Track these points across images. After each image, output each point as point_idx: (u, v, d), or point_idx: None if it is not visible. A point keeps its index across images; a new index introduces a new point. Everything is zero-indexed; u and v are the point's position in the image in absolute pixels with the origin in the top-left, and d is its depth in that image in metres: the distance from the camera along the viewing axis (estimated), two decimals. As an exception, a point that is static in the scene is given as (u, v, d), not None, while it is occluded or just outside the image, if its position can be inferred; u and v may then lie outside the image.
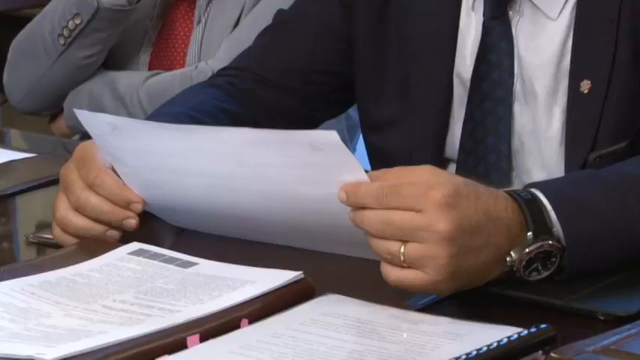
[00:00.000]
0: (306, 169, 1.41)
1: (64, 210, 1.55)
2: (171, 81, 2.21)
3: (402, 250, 1.32)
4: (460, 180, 1.40)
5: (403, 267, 1.33)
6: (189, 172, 1.51)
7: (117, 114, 2.14)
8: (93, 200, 1.53)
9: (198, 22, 2.32)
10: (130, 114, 2.24)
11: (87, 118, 1.53)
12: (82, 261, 1.47)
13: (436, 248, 1.32)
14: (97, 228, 1.53)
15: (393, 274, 1.34)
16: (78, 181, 1.53)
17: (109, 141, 1.53)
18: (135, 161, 1.53)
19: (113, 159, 1.55)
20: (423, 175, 1.35)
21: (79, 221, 1.53)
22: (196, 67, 2.23)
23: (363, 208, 1.35)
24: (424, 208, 1.32)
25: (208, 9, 2.31)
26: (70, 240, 1.55)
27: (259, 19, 2.07)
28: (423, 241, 1.32)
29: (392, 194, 1.33)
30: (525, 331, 1.24)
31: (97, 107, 2.27)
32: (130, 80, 2.26)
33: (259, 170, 1.45)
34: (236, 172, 1.47)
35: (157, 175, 1.54)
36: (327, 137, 1.36)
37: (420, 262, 1.32)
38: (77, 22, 2.28)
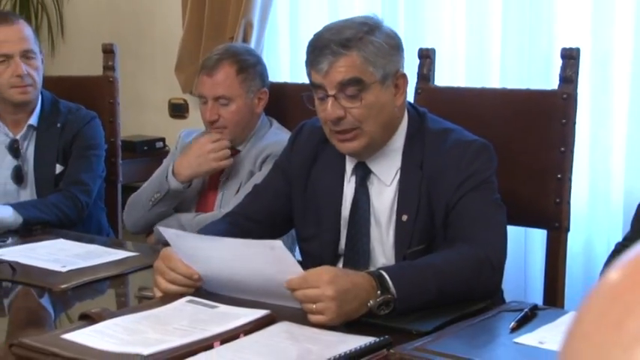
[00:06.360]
0: (267, 259, 1.41)
1: (158, 280, 1.51)
2: (207, 218, 2.19)
3: (314, 306, 1.34)
4: (338, 268, 1.43)
5: (316, 314, 1.35)
6: (213, 261, 1.48)
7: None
8: (172, 275, 1.50)
9: (220, 190, 2.32)
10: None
11: (163, 231, 1.52)
12: (161, 305, 1.46)
13: (329, 304, 1.33)
14: (174, 289, 1.50)
15: (312, 318, 1.35)
16: (162, 266, 1.52)
17: (174, 243, 1.52)
18: (188, 256, 1.51)
19: (176, 251, 1.52)
20: (319, 269, 1.37)
21: (166, 285, 1.50)
22: (219, 212, 2.22)
23: (295, 289, 1.37)
24: (319, 285, 1.34)
25: (224, 187, 2.29)
26: (164, 289, 1.51)
27: (248, 188, 2.07)
28: (322, 301, 1.34)
29: (303, 282, 1.36)
30: (377, 339, 1.26)
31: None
32: (186, 218, 2.25)
33: (247, 264, 1.44)
34: (235, 263, 1.46)
35: (199, 263, 1.51)
36: (276, 243, 1.38)
37: (323, 311, 1.34)
38: (157, 195, 2.24)
